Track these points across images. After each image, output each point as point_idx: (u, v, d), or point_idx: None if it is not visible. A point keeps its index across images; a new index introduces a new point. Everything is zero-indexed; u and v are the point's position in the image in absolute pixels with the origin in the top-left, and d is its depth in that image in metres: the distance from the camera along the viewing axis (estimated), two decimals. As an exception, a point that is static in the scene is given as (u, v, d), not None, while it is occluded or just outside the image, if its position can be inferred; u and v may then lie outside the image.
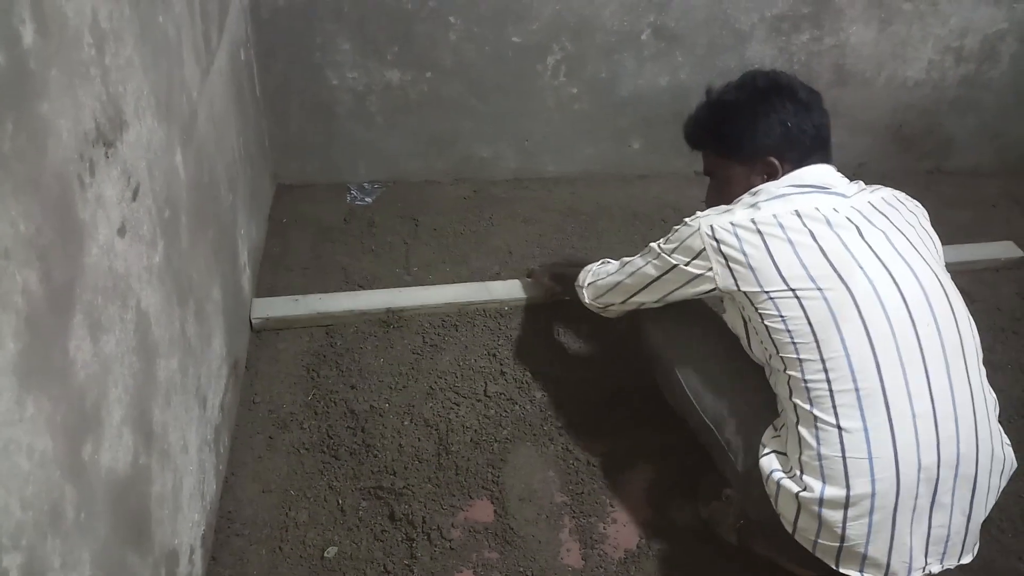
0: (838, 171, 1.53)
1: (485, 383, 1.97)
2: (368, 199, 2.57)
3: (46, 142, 0.85)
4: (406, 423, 1.85)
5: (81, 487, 0.94)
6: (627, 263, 1.67)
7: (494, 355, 2.05)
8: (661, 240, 1.56)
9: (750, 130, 1.53)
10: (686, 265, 1.48)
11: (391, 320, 2.10)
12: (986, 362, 2.12)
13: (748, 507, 1.52)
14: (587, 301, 1.80)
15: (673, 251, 1.51)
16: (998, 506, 1.68)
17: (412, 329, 2.11)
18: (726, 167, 1.60)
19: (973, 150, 3.00)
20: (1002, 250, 2.58)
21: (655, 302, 1.62)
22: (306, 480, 1.73)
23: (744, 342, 1.52)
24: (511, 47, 2.43)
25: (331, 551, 1.60)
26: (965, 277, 2.47)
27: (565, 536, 1.68)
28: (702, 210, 1.52)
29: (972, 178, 3.00)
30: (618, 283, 1.68)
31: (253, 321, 2.04)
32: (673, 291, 1.56)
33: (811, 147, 1.52)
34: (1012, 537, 1.72)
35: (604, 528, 1.70)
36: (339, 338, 2.06)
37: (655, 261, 1.56)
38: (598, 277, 1.76)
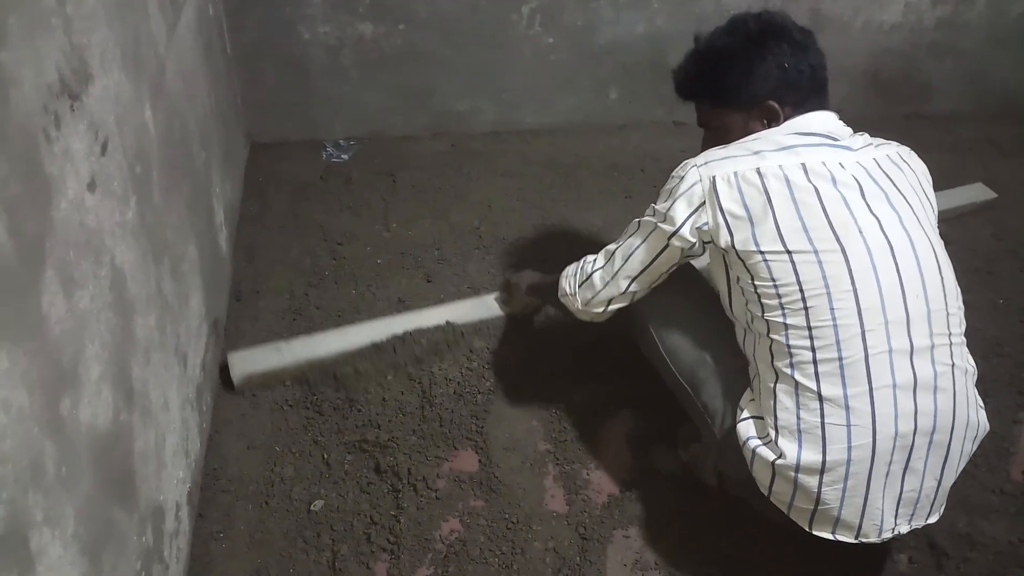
0: (839, 118, 1.48)
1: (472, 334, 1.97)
2: (345, 156, 2.55)
3: (7, 92, 0.84)
4: (389, 377, 1.85)
5: (61, 442, 0.94)
6: (619, 246, 1.54)
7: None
8: (651, 207, 1.47)
9: (747, 75, 1.46)
10: (686, 217, 1.39)
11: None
12: (964, 303, 2.16)
13: (724, 467, 1.54)
14: (579, 307, 1.63)
15: (670, 207, 1.41)
16: (974, 441, 1.72)
17: (391, 289, 2.11)
18: (723, 116, 1.52)
19: (951, 94, 3.00)
20: (976, 193, 2.59)
21: (654, 283, 1.53)
22: (290, 436, 1.74)
23: (725, 299, 1.48)
24: (485, -4, 2.40)
25: (317, 504, 1.61)
26: (943, 223, 2.48)
27: (549, 483, 1.70)
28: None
29: (950, 122, 2.99)
30: (615, 272, 1.54)
31: (235, 379, 1.81)
32: (676, 262, 1.48)
33: (809, 88, 1.46)
34: (986, 472, 1.75)
35: (587, 474, 1.72)
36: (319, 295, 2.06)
37: (653, 233, 1.46)
38: (586, 275, 1.61)
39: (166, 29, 1.56)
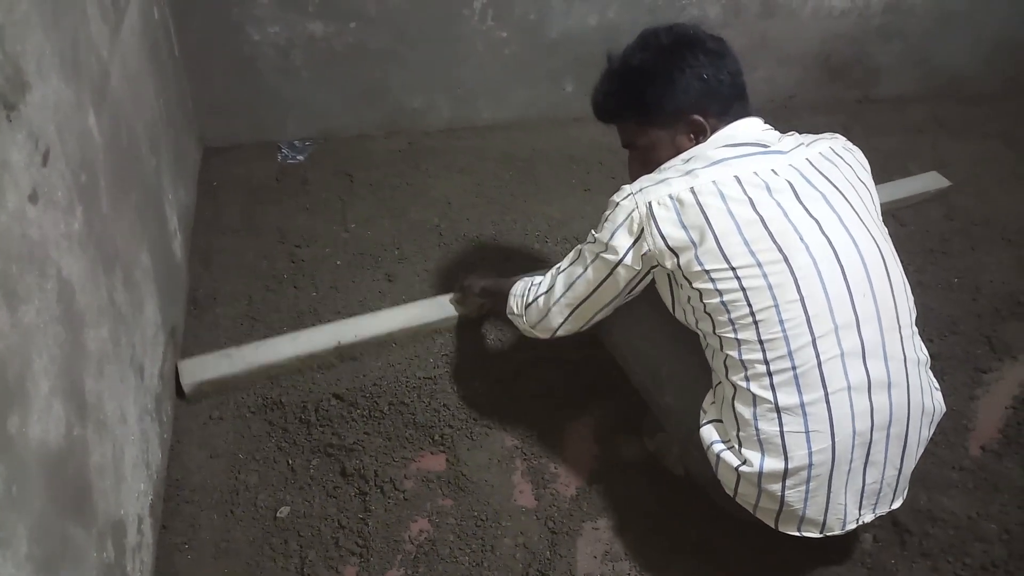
0: (765, 122, 1.48)
1: (431, 334, 1.96)
2: (300, 156, 2.52)
3: (-63, 104, 0.81)
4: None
5: (10, 461, 0.91)
6: (562, 271, 1.53)
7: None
8: (592, 234, 1.45)
9: (668, 90, 1.43)
10: (631, 245, 1.38)
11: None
12: (917, 283, 2.21)
13: (690, 466, 1.55)
14: (526, 327, 1.63)
15: (611, 237, 1.39)
16: (932, 419, 1.75)
17: (352, 291, 2.09)
18: (648, 134, 1.49)
19: (900, 77, 3.04)
20: (929, 182, 2.62)
21: (600, 311, 1.50)
22: (254, 443, 1.71)
23: (672, 311, 1.46)
24: (436, -9, 2.38)
25: (283, 511, 1.60)
26: (895, 204, 2.52)
27: (517, 478, 1.70)
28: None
29: (899, 105, 3.04)
30: (557, 299, 1.53)
31: (185, 387, 1.77)
32: (620, 293, 1.46)
33: (730, 96, 1.45)
34: (946, 449, 1.78)
35: (555, 468, 1.72)
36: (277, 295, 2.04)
37: (594, 264, 1.45)
38: (532, 299, 1.59)
39: (108, 33, 1.53)
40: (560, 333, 1.57)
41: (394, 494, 1.63)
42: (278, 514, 1.59)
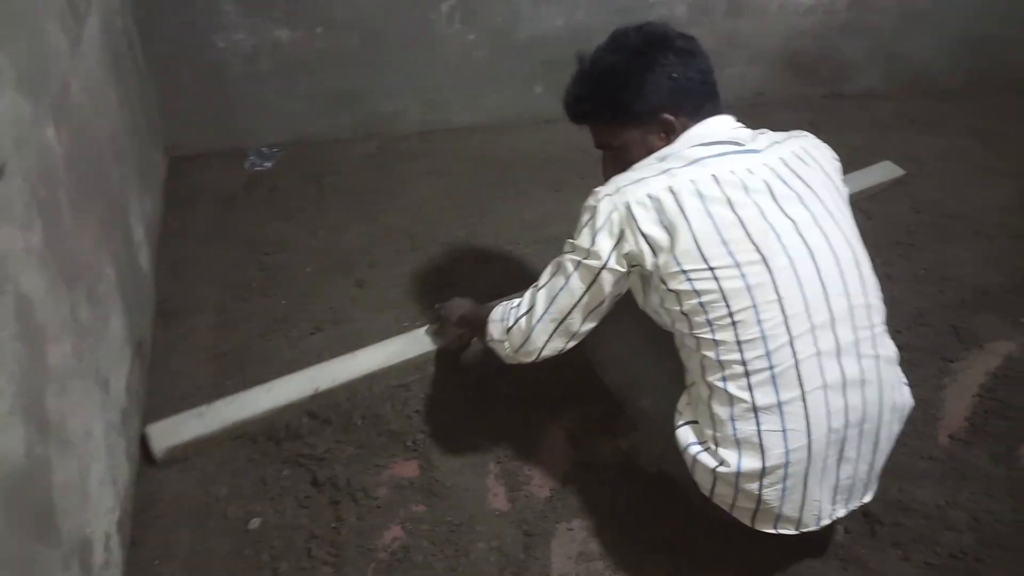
0: (736, 119, 1.48)
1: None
2: (268, 163, 2.51)
3: None
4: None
5: (-33, 482, 0.90)
6: (541, 288, 1.48)
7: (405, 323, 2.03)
8: (569, 243, 1.42)
9: (639, 90, 1.43)
10: (613, 247, 1.36)
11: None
12: (886, 275, 2.22)
13: (667, 467, 1.55)
14: (508, 354, 1.55)
15: (593, 241, 1.37)
16: (901, 411, 1.76)
17: (322, 298, 2.08)
18: (620, 135, 1.48)
19: (866, 73, 3.06)
20: (884, 172, 2.64)
21: (592, 315, 1.46)
22: (224, 454, 1.70)
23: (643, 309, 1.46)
24: (402, -4, 2.38)
25: (255, 522, 1.59)
26: (863, 194, 2.55)
27: (491, 481, 1.69)
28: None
29: (867, 100, 3.06)
30: (541, 315, 1.47)
31: (156, 454, 1.66)
32: (605, 300, 1.43)
33: (701, 95, 1.45)
34: (915, 439, 1.80)
35: (528, 470, 1.72)
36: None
37: (576, 273, 1.41)
38: (511, 322, 1.52)
39: (68, 44, 1.51)
40: (545, 353, 1.51)
41: (367, 502, 1.62)
42: (249, 526, 1.58)
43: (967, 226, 2.47)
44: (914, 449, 1.78)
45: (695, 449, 1.39)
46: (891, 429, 1.43)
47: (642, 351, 1.54)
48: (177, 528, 1.57)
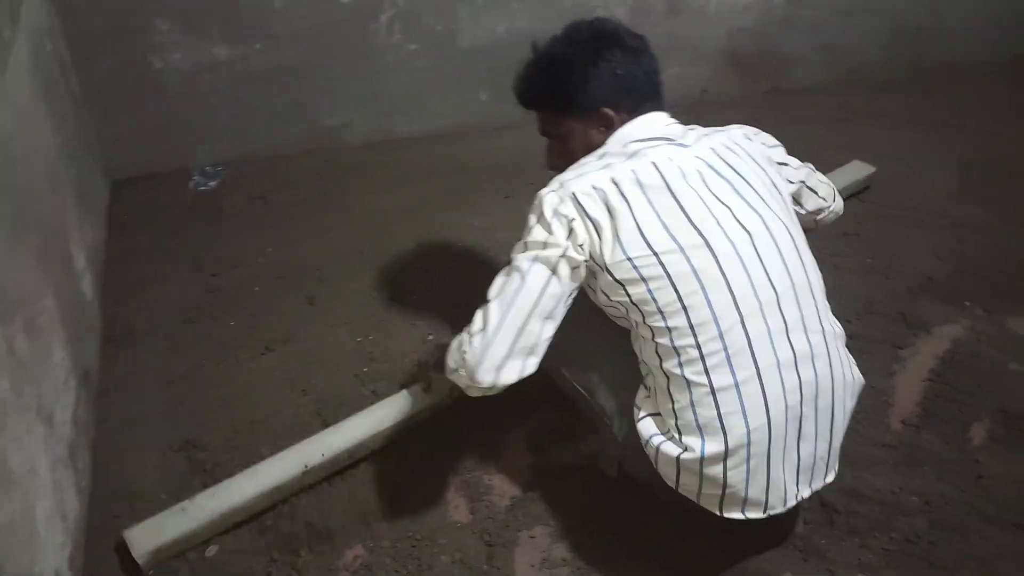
0: (673, 116, 1.51)
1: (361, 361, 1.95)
2: (212, 183, 2.47)
3: None
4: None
5: None
6: (492, 300, 1.37)
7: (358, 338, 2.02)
8: (520, 245, 1.38)
9: (582, 83, 1.47)
10: (567, 238, 1.34)
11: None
12: (835, 266, 2.25)
13: (629, 466, 1.55)
14: (468, 383, 1.39)
15: (548, 234, 1.35)
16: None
17: (272, 316, 2.05)
18: (562, 124, 1.52)
19: (807, 68, 3.11)
20: (857, 171, 2.64)
21: (550, 318, 1.38)
22: (177, 482, 1.67)
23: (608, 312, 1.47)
24: (341, 8, 2.36)
25: (212, 550, 1.56)
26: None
27: (451, 493, 1.68)
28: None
29: (809, 95, 3.11)
30: (498, 325, 1.35)
31: (138, 560, 1.49)
32: (569, 292, 1.39)
33: (644, 94, 1.49)
34: (868, 426, 1.82)
35: (489, 479, 1.71)
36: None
37: (534, 267, 1.35)
38: (465, 346, 1.37)
39: (-8, 72, 1.48)
40: (506, 373, 1.36)
41: (326, 522, 1.60)
42: (207, 553, 1.55)
43: (910, 215, 2.51)
44: (867, 437, 1.80)
45: (657, 440, 1.40)
46: (845, 405, 1.46)
47: (596, 351, 1.55)
48: (132, 560, 1.54)
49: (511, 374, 1.37)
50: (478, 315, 1.39)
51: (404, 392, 1.79)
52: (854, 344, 1.93)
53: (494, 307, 1.37)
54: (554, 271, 1.36)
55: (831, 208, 1.74)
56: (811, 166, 1.72)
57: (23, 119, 1.61)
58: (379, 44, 2.48)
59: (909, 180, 2.67)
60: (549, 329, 1.39)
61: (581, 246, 1.36)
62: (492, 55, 2.59)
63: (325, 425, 1.77)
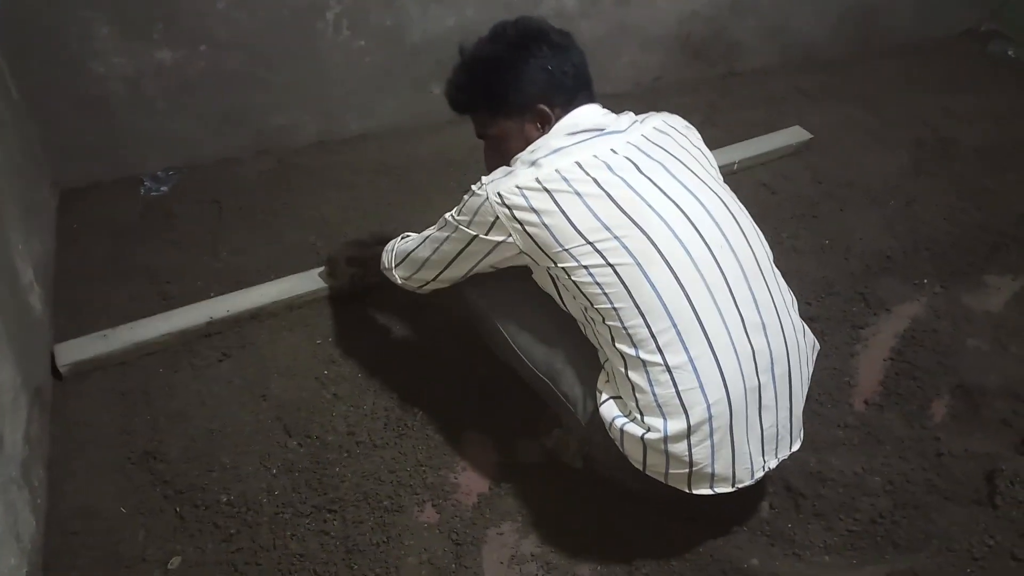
0: (604, 107, 1.56)
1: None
2: (164, 188, 2.42)
3: None
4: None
5: None
6: (427, 237, 1.59)
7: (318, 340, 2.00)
8: (454, 211, 1.51)
9: (515, 81, 1.50)
10: (485, 235, 1.44)
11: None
12: (792, 248, 2.27)
13: (595, 452, 1.56)
14: (399, 281, 1.70)
15: (469, 223, 1.46)
16: (816, 381, 1.80)
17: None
18: (498, 124, 1.55)
19: (759, 50, 3.13)
20: (792, 136, 2.72)
21: (463, 276, 1.58)
22: (138, 495, 1.64)
23: (557, 299, 1.51)
24: (285, 6, 2.32)
25: (175, 562, 1.53)
26: (765, 170, 2.60)
27: (417, 494, 1.67)
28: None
29: (762, 76, 3.13)
30: (425, 259, 1.60)
31: (61, 369, 1.83)
32: (479, 262, 1.51)
33: (575, 87, 1.52)
34: (831, 408, 1.84)
35: (455, 478, 1.70)
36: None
37: (454, 235, 1.51)
38: (403, 255, 1.66)
39: (-78, 85, 1.43)
40: (429, 288, 1.66)
41: (289, 527, 1.58)
42: (169, 566, 1.53)
43: (865, 194, 2.54)
44: (829, 418, 1.82)
45: (620, 421, 1.41)
46: (802, 372, 1.48)
47: (554, 339, 1.55)
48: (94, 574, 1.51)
49: (435, 287, 1.65)
50: (416, 238, 1.63)
51: (311, 272, 2.09)
52: (815, 326, 1.96)
53: (426, 246, 1.59)
54: (468, 245, 1.49)
55: None
56: None
57: (-43, 132, 1.56)
58: (326, 42, 2.44)
59: (863, 158, 2.70)
60: (469, 275, 1.57)
61: (499, 244, 1.44)
62: (442, 48, 2.54)
63: (287, 431, 1.76)
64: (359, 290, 2.04)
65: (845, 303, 2.14)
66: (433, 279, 1.62)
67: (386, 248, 1.74)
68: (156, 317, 1.95)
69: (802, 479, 1.67)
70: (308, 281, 2.06)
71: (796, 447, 1.52)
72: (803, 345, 1.49)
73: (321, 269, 2.08)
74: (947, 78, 3.19)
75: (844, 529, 1.60)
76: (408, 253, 1.64)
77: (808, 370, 1.51)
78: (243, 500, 1.63)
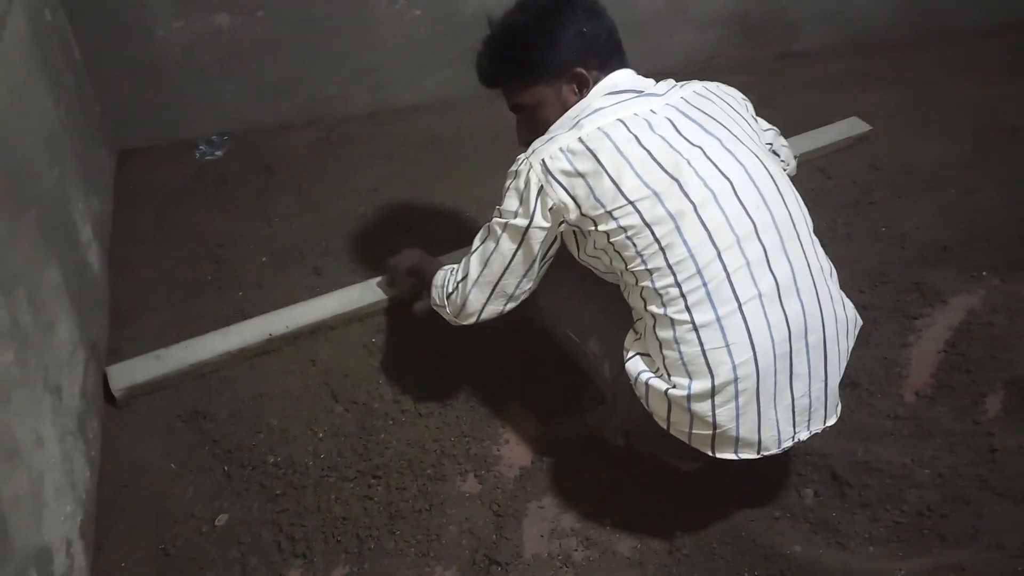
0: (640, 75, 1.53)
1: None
2: (218, 152, 2.45)
3: None
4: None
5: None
6: (473, 253, 1.53)
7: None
8: (497, 209, 1.48)
9: (551, 46, 1.48)
10: (536, 206, 1.41)
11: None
12: (846, 235, 2.22)
13: (621, 410, 1.55)
14: (451, 319, 1.60)
15: (518, 208, 1.43)
16: (866, 371, 1.77)
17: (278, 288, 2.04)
18: (534, 93, 1.53)
19: (816, 32, 3.06)
20: (850, 127, 2.65)
21: (525, 277, 1.50)
22: (186, 453, 1.67)
23: (597, 266, 1.50)
24: (343, -25, 2.32)
25: (222, 519, 1.56)
26: (822, 158, 2.55)
27: (460, 465, 1.68)
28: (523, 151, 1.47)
29: (819, 59, 3.06)
30: (476, 280, 1.51)
31: (115, 393, 1.74)
32: (542, 251, 1.46)
33: (610, 50, 1.52)
34: (880, 398, 1.81)
35: (498, 450, 1.71)
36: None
37: (507, 232, 1.46)
38: (450, 289, 1.58)
39: (-13, 45, 1.46)
40: (484, 316, 1.55)
41: (335, 492, 1.60)
42: (216, 523, 1.56)
43: (923, 181, 2.47)
44: (878, 408, 1.78)
45: (645, 376, 1.40)
46: (839, 345, 1.45)
47: (584, 299, 1.57)
48: (142, 530, 1.55)
49: (487, 316, 1.55)
50: (461, 264, 1.56)
51: (371, 281, 2.01)
52: (867, 315, 1.92)
53: (473, 263, 1.52)
54: (523, 238, 1.45)
55: (788, 172, 1.73)
56: (776, 129, 1.75)
57: (20, 92, 1.59)
58: (381, 12, 2.44)
59: (920, 145, 2.63)
60: (526, 284, 1.52)
61: (552, 210, 1.41)
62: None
63: (334, 397, 1.78)
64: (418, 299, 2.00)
65: (899, 292, 2.09)
66: (485, 303, 1.53)
67: (435, 283, 1.64)
68: (215, 333, 1.87)
69: (848, 468, 1.65)
70: (368, 293, 1.99)
71: (831, 421, 1.48)
72: (842, 317, 1.45)
73: (380, 279, 2.01)
74: (1008, 65, 3.08)
75: (890, 520, 1.57)
76: (457, 284, 1.56)
77: (847, 343, 1.48)
78: (289, 462, 1.65)
